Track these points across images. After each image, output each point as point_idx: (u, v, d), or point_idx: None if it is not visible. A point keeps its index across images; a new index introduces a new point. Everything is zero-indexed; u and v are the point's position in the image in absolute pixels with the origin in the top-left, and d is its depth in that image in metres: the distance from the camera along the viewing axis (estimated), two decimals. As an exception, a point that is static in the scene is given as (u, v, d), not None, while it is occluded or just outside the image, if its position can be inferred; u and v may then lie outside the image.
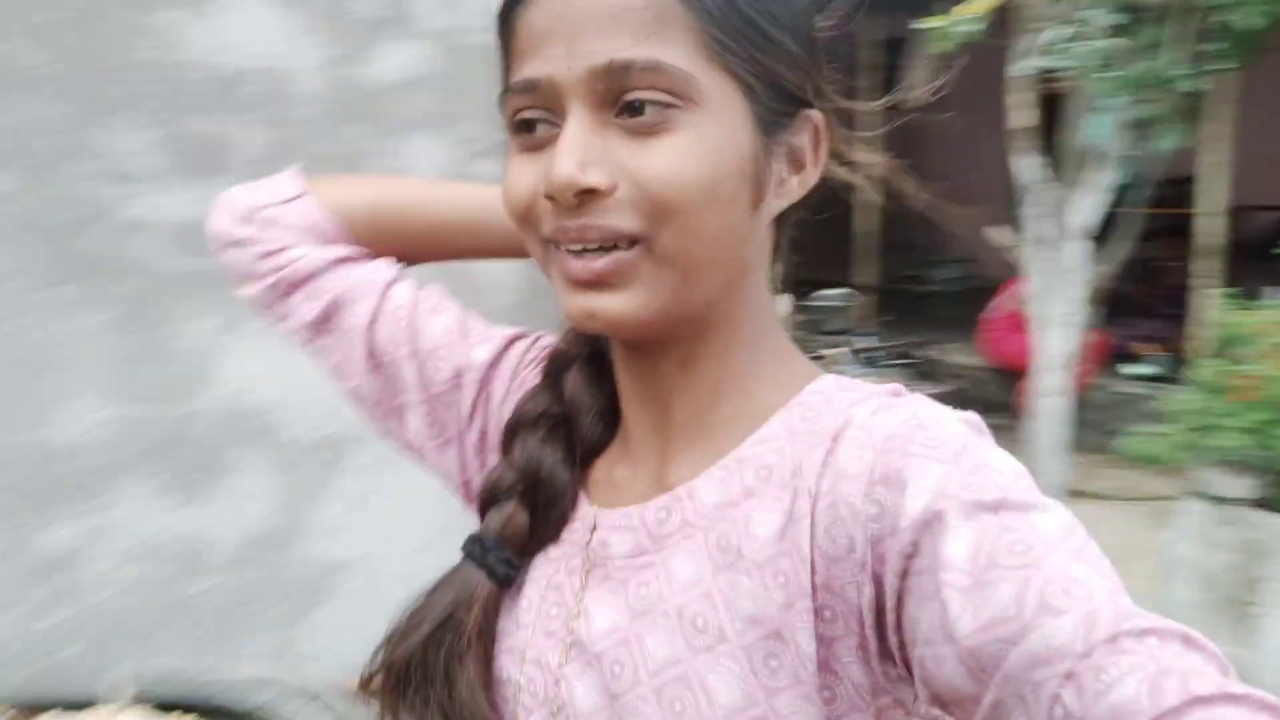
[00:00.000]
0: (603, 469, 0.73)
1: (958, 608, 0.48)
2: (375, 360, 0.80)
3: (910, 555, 0.52)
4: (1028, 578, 0.47)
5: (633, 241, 0.60)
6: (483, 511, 0.73)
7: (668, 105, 0.59)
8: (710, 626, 0.60)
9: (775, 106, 0.63)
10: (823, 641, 0.57)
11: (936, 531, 0.51)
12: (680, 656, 0.61)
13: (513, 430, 0.74)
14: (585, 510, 0.71)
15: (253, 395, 2.57)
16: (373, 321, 0.80)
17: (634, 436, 0.70)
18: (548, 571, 0.70)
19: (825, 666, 0.57)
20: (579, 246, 0.61)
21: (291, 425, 2.63)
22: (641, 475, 0.69)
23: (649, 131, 0.59)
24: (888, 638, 0.54)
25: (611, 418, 0.74)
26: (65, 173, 2.29)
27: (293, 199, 0.81)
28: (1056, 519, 0.51)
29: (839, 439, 0.59)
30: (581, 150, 0.59)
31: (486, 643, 0.70)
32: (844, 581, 0.56)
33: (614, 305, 0.62)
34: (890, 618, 0.53)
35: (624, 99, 0.59)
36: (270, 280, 0.82)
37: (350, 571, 2.71)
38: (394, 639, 0.70)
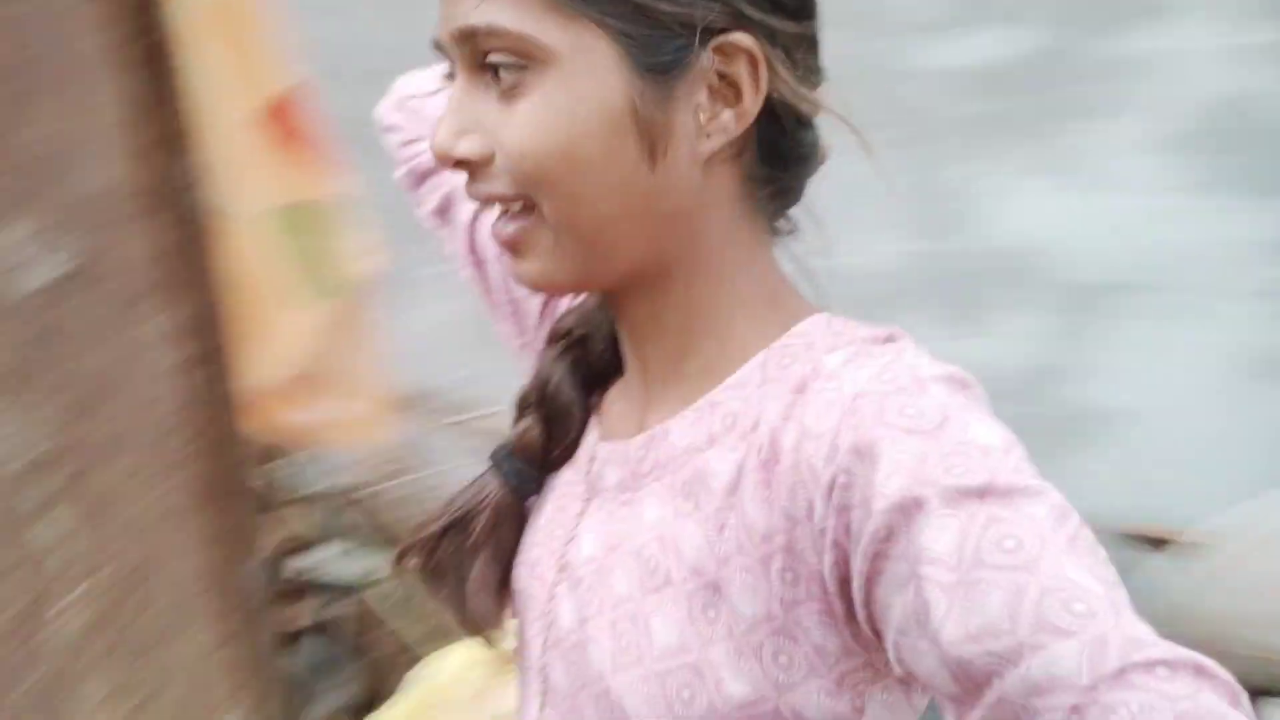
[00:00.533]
0: (610, 400, 0.72)
1: (942, 609, 0.45)
2: (475, 257, 0.85)
3: (884, 539, 0.48)
4: (1020, 585, 0.43)
5: (525, 206, 0.59)
6: (514, 422, 0.74)
7: (517, 68, 0.56)
8: (660, 569, 0.60)
9: (662, 45, 0.56)
10: (783, 604, 0.54)
11: (915, 518, 0.47)
12: (633, 595, 0.61)
13: (544, 346, 0.75)
14: (592, 438, 0.70)
15: (1026, 236, 2.62)
16: (474, 219, 0.84)
17: (629, 373, 0.69)
18: (561, 493, 0.71)
19: (783, 631, 0.54)
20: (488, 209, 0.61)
21: (1067, 268, 2.63)
22: (633, 412, 0.68)
23: (507, 96, 0.57)
24: (855, 609, 0.51)
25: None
26: (849, 29, 2.64)
27: (434, 92, 0.78)
28: (1046, 505, 0.47)
29: (804, 390, 0.56)
30: (458, 119, 0.59)
31: (497, 547, 0.71)
32: (804, 545, 0.53)
33: (527, 270, 0.62)
34: (859, 595, 0.50)
35: (485, 62, 0.57)
36: (405, 168, 0.90)
37: (1119, 418, 2.62)
38: (418, 527, 0.72)
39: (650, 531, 0.62)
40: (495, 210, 0.62)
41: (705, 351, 0.64)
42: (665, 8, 0.55)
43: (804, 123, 0.62)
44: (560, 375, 0.72)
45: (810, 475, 0.52)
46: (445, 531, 0.71)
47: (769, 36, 0.57)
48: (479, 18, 0.56)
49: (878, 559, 0.48)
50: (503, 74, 0.57)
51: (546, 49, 0.55)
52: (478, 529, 0.70)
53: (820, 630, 0.54)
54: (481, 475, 0.73)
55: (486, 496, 0.71)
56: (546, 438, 0.72)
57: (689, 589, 0.58)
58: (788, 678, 0.55)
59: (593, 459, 0.69)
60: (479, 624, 0.72)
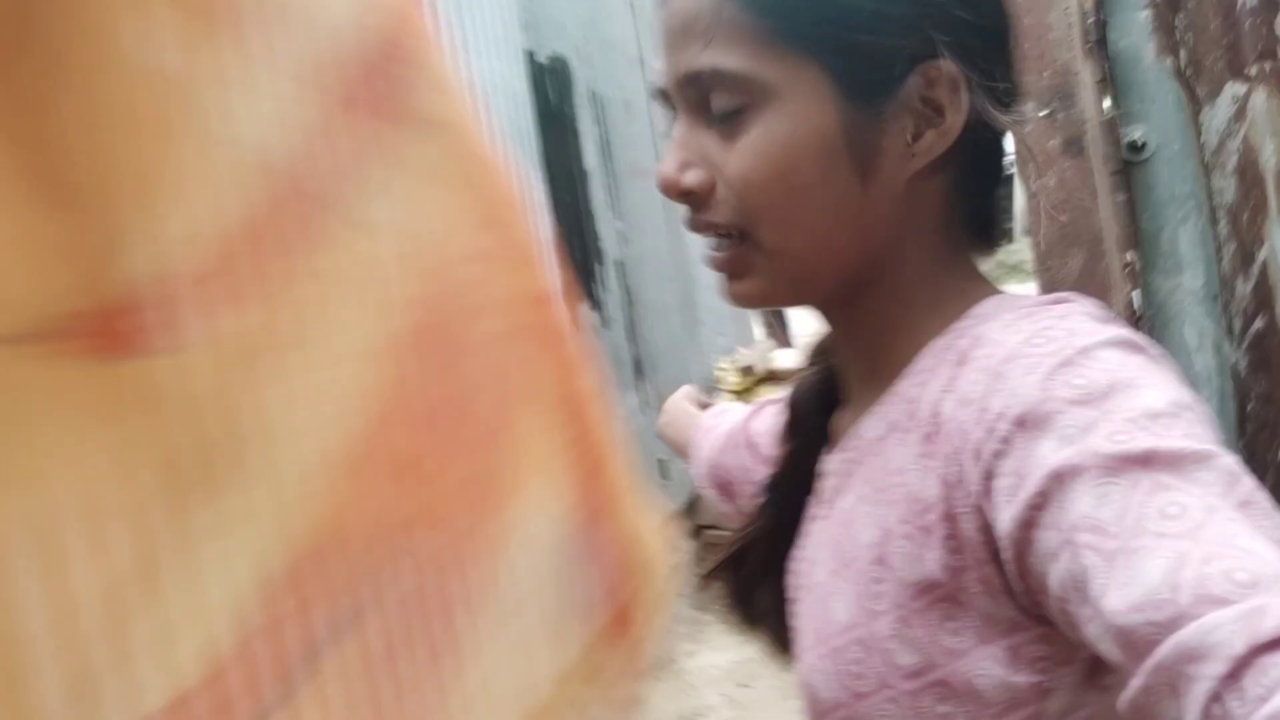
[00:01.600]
0: (839, 416, 0.75)
1: (1102, 576, 0.44)
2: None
3: (1037, 506, 0.47)
4: (1182, 552, 0.43)
5: (741, 234, 0.63)
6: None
7: (738, 107, 0.61)
8: (844, 553, 0.63)
9: (870, 74, 0.60)
10: (948, 570, 0.55)
11: (1071, 485, 0.46)
12: (824, 581, 0.64)
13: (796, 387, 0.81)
14: (825, 455, 0.73)
15: None
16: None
17: (844, 387, 0.73)
18: (811, 508, 0.74)
19: (950, 598, 0.55)
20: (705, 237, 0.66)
21: None
22: (847, 422, 0.71)
23: (729, 131, 0.61)
24: (1009, 578, 0.51)
25: None
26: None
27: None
28: (1216, 470, 0.46)
29: (965, 361, 0.57)
30: (682, 152, 0.64)
31: (773, 570, 0.75)
32: (959, 510, 0.53)
33: (743, 290, 0.66)
34: (1011, 565, 0.50)
35: (708, 102, 0.62)
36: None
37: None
38: (715, 556, 0.80)
39: (841, 519, 0.65)
40: (710, 240, 0.66)
41: (897, 350, 0.65)
42: (872, 40, 0.60)
43: (999, 138, 0.66)
44: (807, 393, 0.78)
45: (961, 439, 0.53)
46: (727, 568, 0.79)
47: (968, 59, 0.60)
48: (704, 62, 0.61)
49: (1029, 527, 0.48)
50: (724, 114, 0.61)
51: (766, 85, 0.60)
52: (751, 563, 0.77)
53: (987, 598, 0.54)
54: (761, 505, 0.79)
55: (754, 530, 0.78)
56: (796, 456, 0.77)
57: (860, 566, 0.60)
58: (956, 644, 0.55)
59: (820, 473, 0.73)
60: (783, 650, 0.75)
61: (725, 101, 0.61)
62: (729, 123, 0.61)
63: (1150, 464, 0.46)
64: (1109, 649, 0.45)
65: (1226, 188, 1.09)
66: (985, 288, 0.66)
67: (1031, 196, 1.25)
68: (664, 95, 0.66)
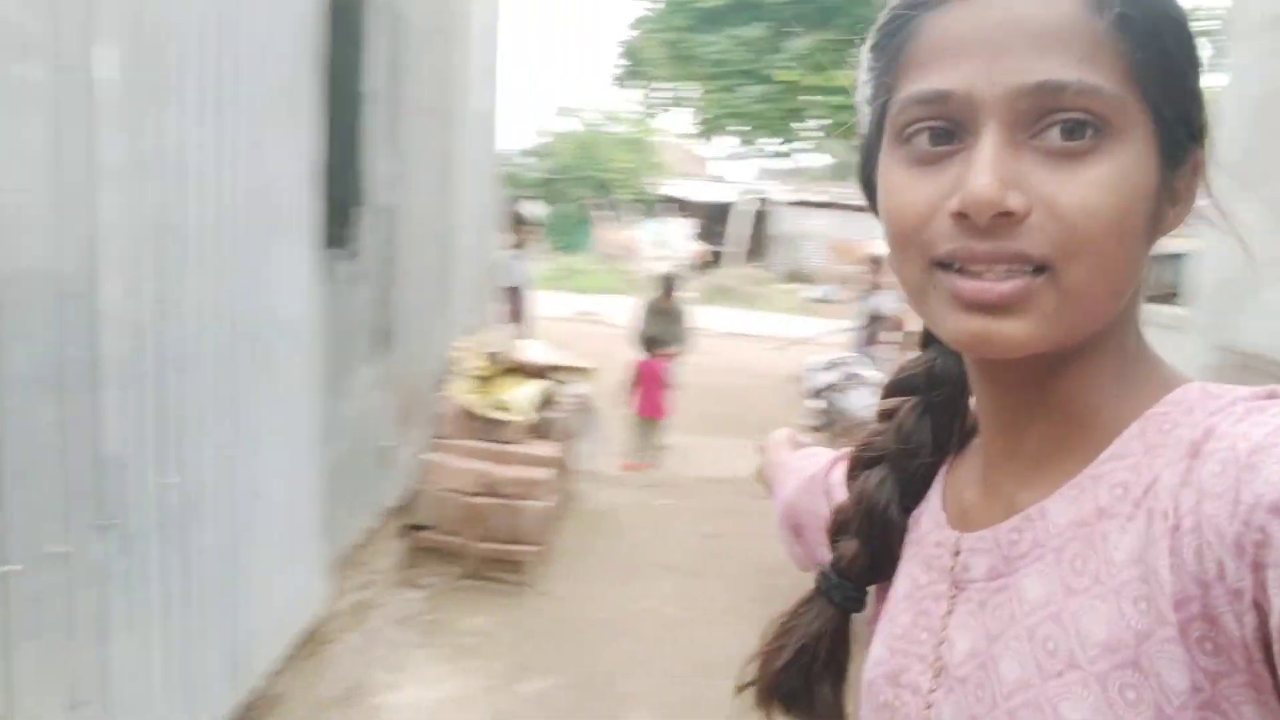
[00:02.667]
0: (957, 499, 0.73)
1: None
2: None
3: None
4: None
5: (1039, 268, 0.59)
6: (832, 544, 0.79)
7: (1096, 131, 0.58)
8: (1061, 650, 0.58)
9: (1179, 141, 0.61)
10: (1207, 676, 0.51)
11: None
12: (1031, 680, 0.59)
13: (854, 467, 0.80)
14: (947, 535, 0.71)
15: None
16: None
17: (990, 460, 0.70)
18: (917, 598, 0.71)
19: (1211, 705, 0.51)
20: (981, 268, 0.60)
21: None
22: (996, 498, 0.68)
23: (1071, 156, 0.58)
24: None
25: (959, 439, 0.78)
26: None
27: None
28: None
29: (1198, 453, 0.54)
30: (1002, 169, 0.58)
31: (838, 666, 0.77)
32: (1221, 610, 0.50)
33: (1012, 331, 0.60)
34: None
35: (1048, 120, 0.58)
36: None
37: None
38: (763, 660, 0.79)
39: (1040, 611, 0.60)
40: (997, 269, 0.59)
41: (1086, 423, 0.64)
42: (1194, 111, 0.61)
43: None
44: (885, 497, 0.76)
45: (1215, 535, 0.51)
46: (793, 663, 0.77)
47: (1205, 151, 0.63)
48: (1075, 74, 0.57)
49: None
50: (1078, 135, 0.58)
51: (1126, 120, 0.58)
52: (822, 654, 0.77)
53: (1251, 707, 0.51)
54: (812, 599, 0.79)
55: (821, 624, 0.77)
56: (870, 557, 0.76)
57: (1100, 670, 0.56)
58: None
59: (956, 553, 0.69)
60: None
61: (1078, 125, 0.58)
62: (1073, 149, 0.58)
63: None
64: None
65: None
66: (1174, 373, 0.65)
67: None
68: (944, 98, 0.60)
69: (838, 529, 0.79)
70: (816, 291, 24.47)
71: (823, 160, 12.20)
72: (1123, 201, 0.58)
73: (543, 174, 26.48)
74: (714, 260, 26.77)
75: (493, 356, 5.57)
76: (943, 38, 0.60)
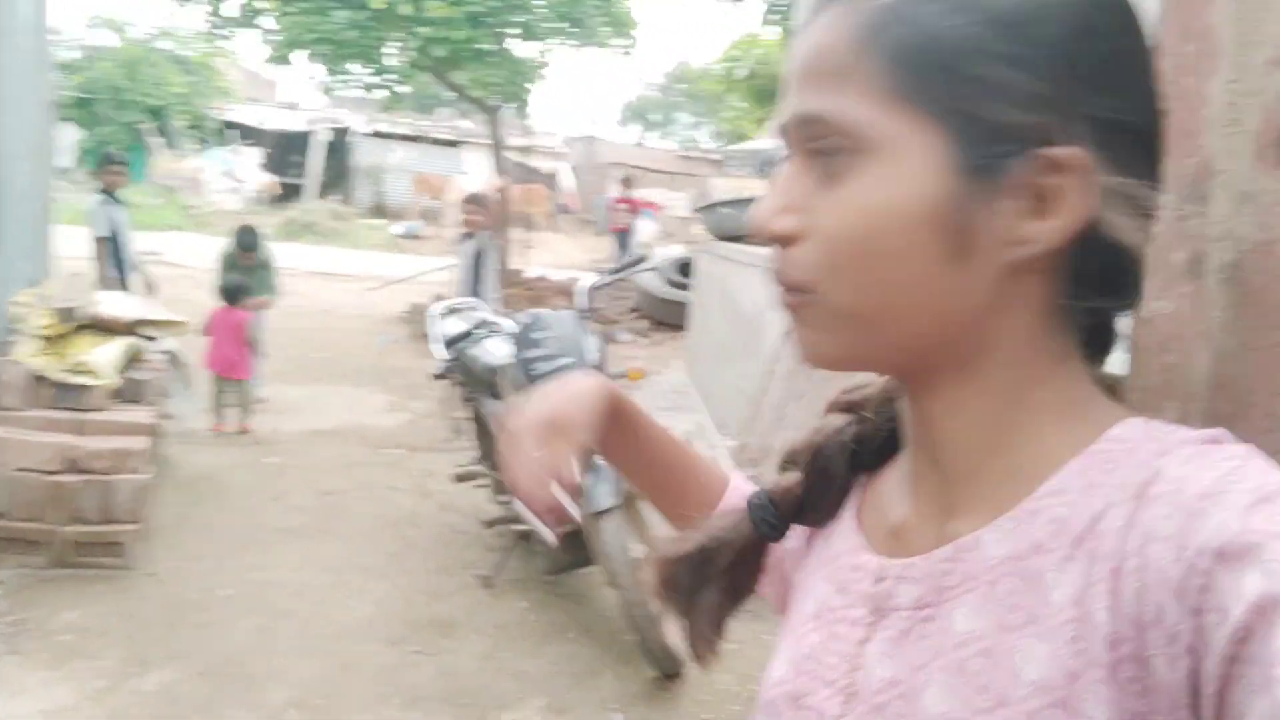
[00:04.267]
0: (881, 515, 0.72)
1: None
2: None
3: (1240, 641, 0.46)
4: None
5: (812, 290, 0.61)
6: (779, 471, 0.78)
7: (850, 153, 0.58)
8: (993, 686, 0.57)
9: (988, 148, 0.57)
10: (1132, 716, 0.53)
11: (1274, 619, 0.46)
12: (957, 713, 0.59)
13: (825, 411, 0.78)
14: (867, 559, 0.70)
15: None
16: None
17: (917, 483, 0.69)
18: (829, 620, 0.70)
19: None
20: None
21: None
22: (926, 524, 0.67)
23: (831, 180, 0.60)
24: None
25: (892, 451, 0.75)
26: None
27: None
28: None
29: (1145, 495, 0.55)
30: (783, 196, 0.62)
31: (730, 582, 0.77)
32: (1154, 652, 0.51)
33: (801, 339, 0.64)
34: (1210, 702, 0.48)
35: (812, 147, 0.61)
36: None
37: None
38: (666, 547, 0.78)
39: (971, 646, 0.59)
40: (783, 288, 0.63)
41: (1014, 456, 0.62)
42: (1002, 111, 0.56)
43: (1128, 252, 0.60)
44: (836, 444, 0.74)
45: (1158, 578, 0.51)
46: (689, 556, 0.76)
47: (1104, 153, 0.57)
48: (813, 104, 0.59)
49: (1234, 663, 0.47)
50: (823, 161, 0.60)
51: (870, 139, 0.57)
52: (719, 563, 0.76)
53: None
54: (735, 512, 0.78)
55: (732, 536, 0.76)
56: (804, 496, 0.75)
57: (1030, 708, 0.55)
58: None
59: (880, 579, 0.67)
60: (698, 645, 0.77)
61: (832, 150, 0.59)
62: (833, 173, 0.59)
63: None
64: None
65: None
66: (1107, 405, 0.64)
67: (1144, 324, 0.91)
68: (783, 133, 0.64)
69: (787, 460, 0.77)
70: (400, 228, 24.03)
71: (407, 91, 11.87)
72: (871, 220, 0.58)
73: (75, 93, 23.36)
74: (289, 194, 25.31)
75: (63, 312, 4.85)
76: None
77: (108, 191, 7.15)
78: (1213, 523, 0.50)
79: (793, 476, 0.76)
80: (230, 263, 7.46)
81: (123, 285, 6.97)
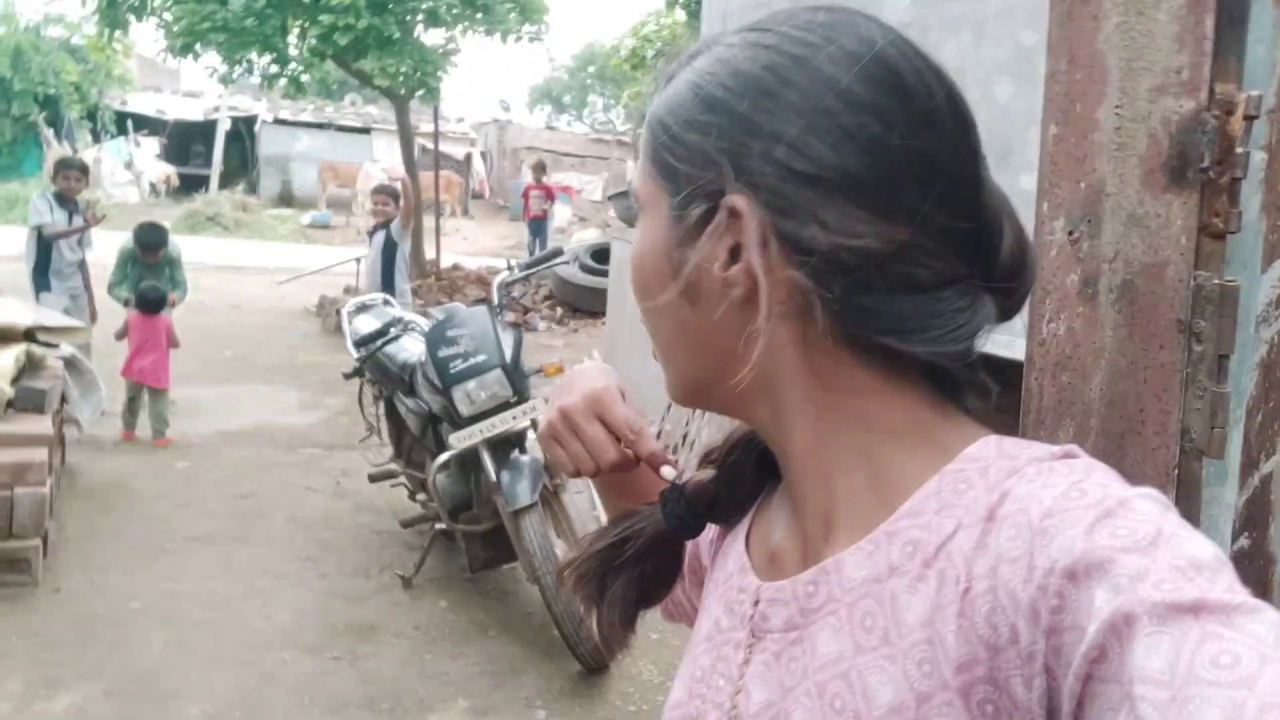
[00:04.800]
0: (764, 538, 0.74)
1: None
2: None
3: (1095, 660, 0.47)
4: (1238, 701, 0.42)
5: None
6: (697, 468, 0.80)
7: (641, 211, 0.69)
8: (847, 709, 0.59)
9: (690, 202, 0.64)
10: None
11: (1127, 636, 0.46)
12: None
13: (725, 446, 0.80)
14: (749, 581, 0.71)
15: None
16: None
17: (791, 508, 0.71)
18: (718, 642, 0.72)
19: None
20: None
21: None
22: (796, 548, 0.69)
23: None
24: None
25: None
26: None
27: None
28: (1266, 622, 0.46)
29: (994, 517, 0.56)
30: None
31: (640, 574, 0.77)
32: (1008, 674, 0.52)
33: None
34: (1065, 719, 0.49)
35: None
36: None
37: None
38: (581, 543, 0.79)
39: (830, 669, 0.61)
40: None
41: (849, 483, 0.65)
42: (685, 168, 0.64)
43: (884, 287, 0.61)
44: (749, 449, 0.76)
45: (1009, 600, 0.52)
46: (603, 549, 0.77)
47: (777, 204, 0.60)
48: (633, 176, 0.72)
49: (1089, 681, 0.47)
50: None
51: (640, 199, 0.69)
52: (628, 552, 0.76)
53: None
54: (648, 505, 0.78)
55: (644, 527, 0.77)
56: (717, 494, 0.76)
57: None
58: None
59: (756, 602, 0.69)
60: (606, 635, 0.78)
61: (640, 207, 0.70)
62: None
63: (1200, 613, 0.46)
64: None
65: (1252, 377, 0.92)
66: (961, 424, 0.65)
67: (1039, 345, 0.93)
68: None
69: (703, 459, 0.79)
70: (309, 218, 23.52)
71: (309, 80, 11.59)
72: (634, 267, 0.69)
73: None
74: (191, 185, 24.57)
75: (-47, 321, 4.64)
76: None
77: (62, 197, 6.86)
78: (1058, 542, 0.51)
79: (707, 472, 0.77)
80: (130, 260, 7.18)
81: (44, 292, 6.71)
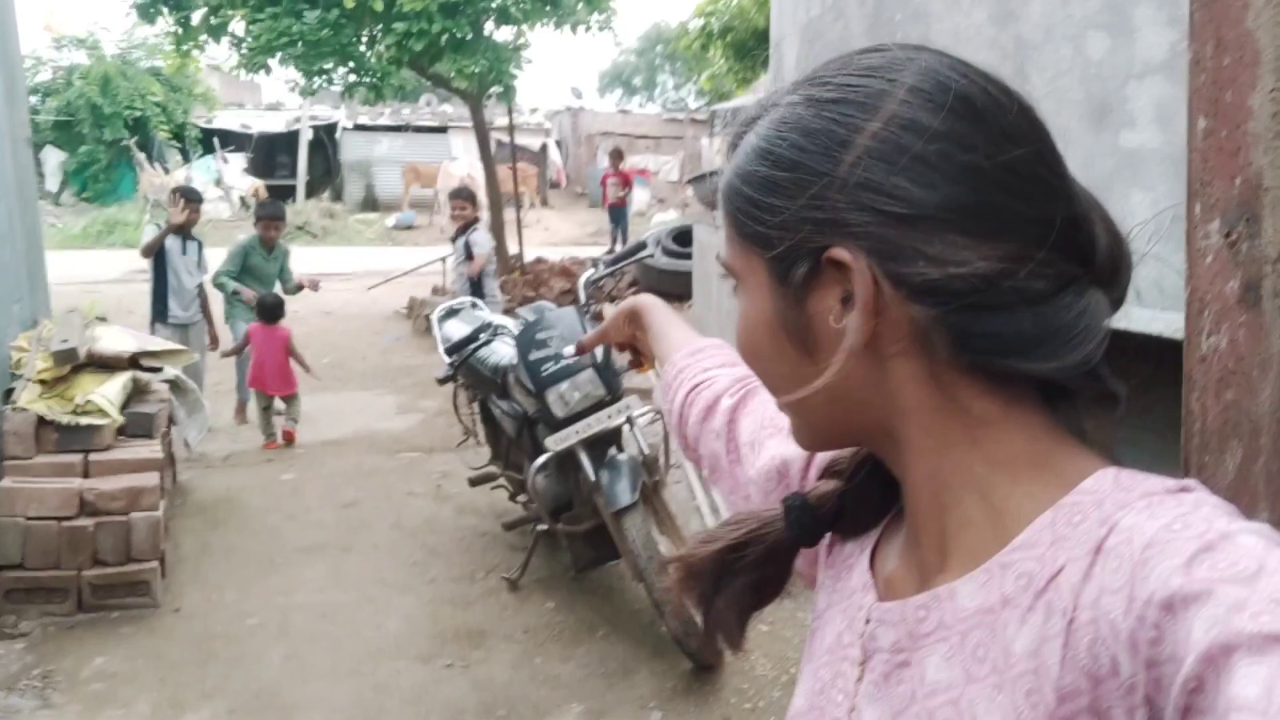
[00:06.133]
0: (883, 560, 0.75)
1: None
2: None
3: (1194, 690, 0.47)
4: None
5: None
6: (819, 479, 0.81)
7: (737, 284, 0.72)
8: None
9: (791, 264, 0.65)
10: None
11: (1224, 667, 0.46)
12: None
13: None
14: (867, 600, 0.72)
15: None
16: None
17: (910, 532, 0.71)
18: (836, 657, 0.73)
19: None
20: None
21: None
22: (908, 573, 0.70)
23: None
24: None
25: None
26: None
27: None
28: None
29: (1101, 550, 0.56)
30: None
31: (759, 578, 0.77)
32: (1111, 704, 0.53)
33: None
34: None
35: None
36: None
37: None
38: (698, 542, 0.79)
39: (940, 696, 0.62)
40: None
41: (964, 512, 0.65)
42: (776, 233, 0.65)
43: (1001, 306, 0.61)
44: (878, 467, 0.74)
45: (1110, 631, 0.53)
46: (721, 550, 0.77)
47: (880, 245, 0.62)
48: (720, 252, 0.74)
49: (1188, 713, 0.47)
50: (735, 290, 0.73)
51: (737, 271, 0.71)
52: (748, 557, 0.77)
53: None
54: (771, 510, 0.78)
55: (766, 533, 0.77)
56: (840, 506, 0.77)
57: None
58: None
59: (868, 620, 0.70)
60: (720, 636, 0.79)
61: (735, 280, 0.72)
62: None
63: None
64: None
65: None
66: (1079, 456, 0.64)
67: (1199, 361, 0.83)
68: None
69: (828, 469, 0.80)
70: (393, 220, 23.89)
71: (390, 83, 11.76)
72: (746, 335, 0.71)
73: (53, 116, 23.17)
74: (278, 196, 25.18)
75: (61, 354, 4.79)
76: None
77: (181, 229, 7.00)
78: (1157, 573, 0.51)
79: (830, 485, 0.78)
80: (247, 252, 7.34)
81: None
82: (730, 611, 0.78)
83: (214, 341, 7.37)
